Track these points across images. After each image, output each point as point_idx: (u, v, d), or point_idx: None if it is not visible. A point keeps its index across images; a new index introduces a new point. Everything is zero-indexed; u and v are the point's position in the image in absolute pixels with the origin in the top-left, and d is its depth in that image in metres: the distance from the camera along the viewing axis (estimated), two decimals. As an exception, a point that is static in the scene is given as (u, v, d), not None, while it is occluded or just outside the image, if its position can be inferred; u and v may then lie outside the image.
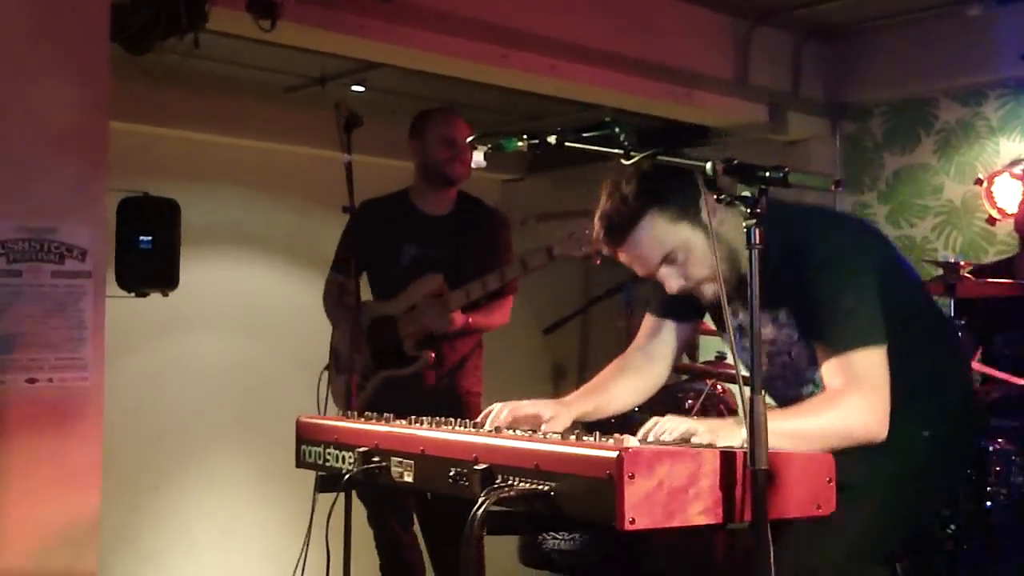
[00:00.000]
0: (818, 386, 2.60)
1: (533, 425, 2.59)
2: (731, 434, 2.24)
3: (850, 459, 2.26)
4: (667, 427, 2.27)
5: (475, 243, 4.33)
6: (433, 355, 4.22)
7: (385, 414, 2.68)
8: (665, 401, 3.90)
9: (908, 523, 2.72)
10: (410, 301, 4.27)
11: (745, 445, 2.17)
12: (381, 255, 4.32)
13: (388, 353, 4.27)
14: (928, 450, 2.62)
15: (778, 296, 2.51)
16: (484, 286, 4.16)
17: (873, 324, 2.45)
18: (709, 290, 2.60)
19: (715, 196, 2.44)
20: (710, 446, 2.15)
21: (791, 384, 2.70)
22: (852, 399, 2.38)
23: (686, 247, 2.55)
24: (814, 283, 2.48)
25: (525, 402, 2.66)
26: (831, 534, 2.37)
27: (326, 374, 4.35)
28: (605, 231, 2.60)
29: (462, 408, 4.16)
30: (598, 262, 4.10)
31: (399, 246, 4.36)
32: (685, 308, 2.87)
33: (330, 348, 4.47)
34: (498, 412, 2.61)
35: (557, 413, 2.65)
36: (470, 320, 4.26)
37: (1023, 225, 4.84)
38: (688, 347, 2.99)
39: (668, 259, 2.57)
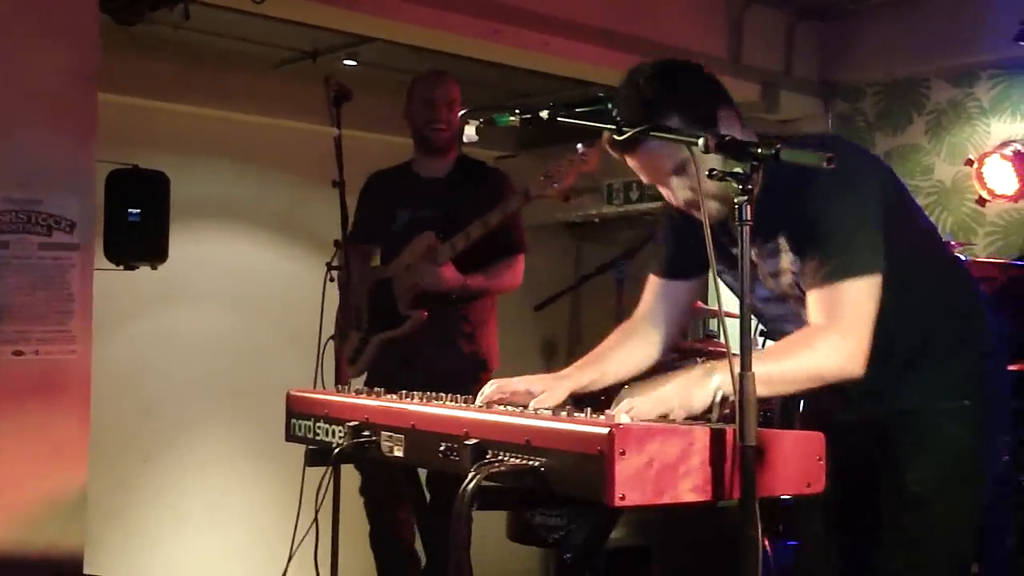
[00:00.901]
0: None
1: (524, 401, 2.56)
2: (703, 390, 2.22)
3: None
4: (638, 411, 2.21)
5: (474, 202, 4.23)
6: (426, 313, 4.15)
7: (376, 388, 2.68)
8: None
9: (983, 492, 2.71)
10: (406, 262, 4.24)
11: (716, 396, 2.21)
12: (380, 222, 4.30)
13: (384, 315, 4.24)
14: (974, 418, 2.57)
15: (779, 220, 2.45)
16: (468, 236, 4.08)
17: (867, 251, 2.37)
18: (714, 208, 2.46)
19: (734, 112, 2.51)
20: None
21: (792, 319, 2.62)
22: (828, 339, 2.32)
23: (699, 158, 2.36)
24: (810, 204, 2.39)
25: (517, 379, 2.63)
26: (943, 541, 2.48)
27: (331, 344, 4.33)
28: (611, 141, 2.46)
29: (460, 377, 4.07)
30: (567, 199, 4.11)
31: (394, 211, 4.34)
32: (689, 264, 2.79)
33: (336, 320, 4.45)
34: (491, 393, 2.59)
35: (549, 388, 2.59)
36: (468, 281, 4.18)
37: None
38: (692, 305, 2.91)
39: (680, 168, 2.47)
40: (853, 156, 2.49)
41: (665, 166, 2.48)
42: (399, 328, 4.21)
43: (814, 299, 2.38)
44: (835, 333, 2.33)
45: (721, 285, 2.36)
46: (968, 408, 2.55)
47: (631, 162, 2.52)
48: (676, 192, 2.51)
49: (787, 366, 2.30)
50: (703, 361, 4.69)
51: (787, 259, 2.50)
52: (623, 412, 2.14)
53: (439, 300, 4.21)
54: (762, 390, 2.04)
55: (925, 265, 2.60)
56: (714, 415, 2.21)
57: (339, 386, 2.98)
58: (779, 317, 2.67)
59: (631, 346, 2.82)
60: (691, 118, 2.41)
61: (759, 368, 2.02)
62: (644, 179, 2.55)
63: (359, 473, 4.21)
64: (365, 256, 4.41)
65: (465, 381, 3.85)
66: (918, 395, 2.56)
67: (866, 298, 2.34)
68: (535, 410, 2.26)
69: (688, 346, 4.84)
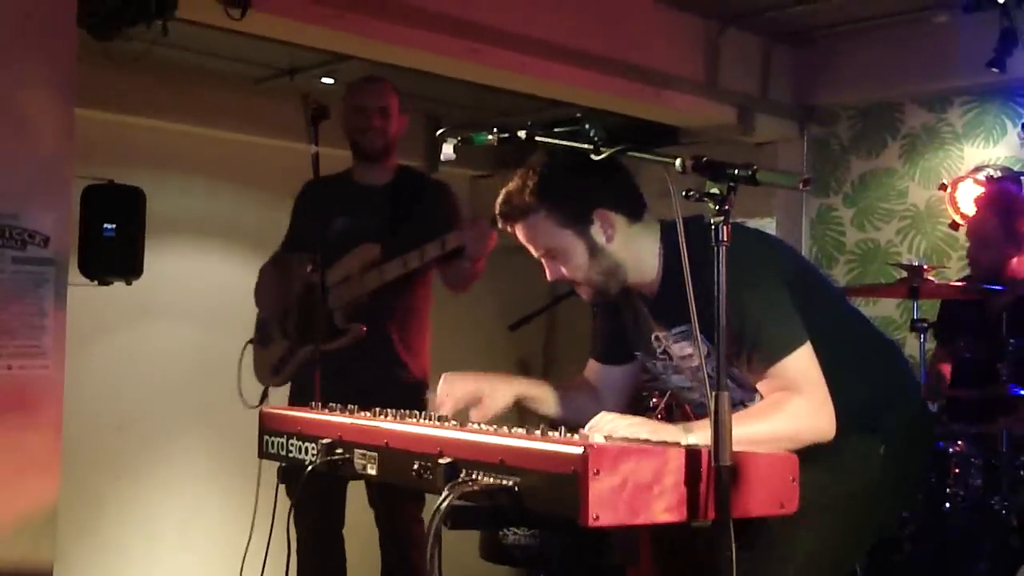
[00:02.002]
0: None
1: (473, 404, 2.68)
2: (674, 438, 2.26)
3: (805, 480, 2.25)
4: (610, 427, 2.26)
5: (414, 213, 4.16)
6: (364, 328, 4.04)
7: (349, 406, 2.67)
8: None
9: (866, 538, 2.74)
10: (344, 272, 4.08)
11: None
12: (314, 228, 4.11)
13: (316, 326, 4.02)
14: (885, 463, 2.61)
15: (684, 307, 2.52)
16: (422, 255, 3.98)
17: (790, 325, 2.46)
18: (586, 291, 2.69)
19: (617, 211, 2.61)
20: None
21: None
22: (796, 402, 2.38)
23: (565, 251, 2.63)
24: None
25: (469, 377, 2.74)
26: (789, 552, 2.44)
27: (250, 348, 4.26)
28: (501, 209, 2.70)
29: (398, 393, 3.98)
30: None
31: (330, 218, 4.15)
32: (624, 350, 2.90)
33: (256, 321, 4.36)
34: (441, 395, 2.69)
35: (494, 390, 2.73)
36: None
37: (973, 229, 4.87)
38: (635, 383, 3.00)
39: (548, 254, 2.67)
40: (752, 242, 2.60)
41: (536, 246, 2.69)
42: (336, 341, 4.05)
43: (764, 384, 2.47)
44: (799, 397, 2.40)
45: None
46: (879, 456, 2.60)
47: (516, 230, 2.70)
48: (548, 269, 2.71)
49: (763, 428, 2.34)
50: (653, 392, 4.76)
51: (685, 347, 2.64)
52: (597, 430, 2.16)
53: (376, 315, 4.10)
54: (744, 447, 2.07)
55: (846, 340, 2.65)
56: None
57: (314, 403, 2.96)
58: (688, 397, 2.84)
59: (583, 400, 2.91)
60: (563, 216, 2.62)
61: (738, 429, 2.04)
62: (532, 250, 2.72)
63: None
64: (292, 264, 4.30)
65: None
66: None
67: (810, 364, 2.44)
68: (509, 429, 2.25)
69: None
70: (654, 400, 4.82)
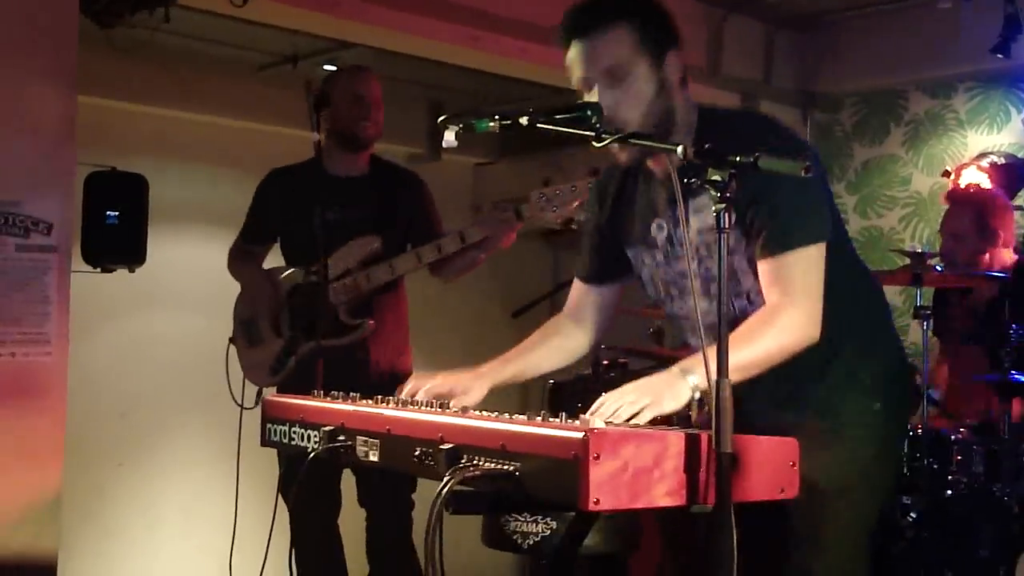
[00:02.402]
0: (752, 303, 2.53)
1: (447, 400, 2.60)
2: (679, 389, 2.26)
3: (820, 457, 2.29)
4: (611, 410, 2.24)
5: (399, 203, 4.16)
6: (373, 322, 4.06)
7: (351, 393, 2.68)
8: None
9: (880, 503, 2.74)
10: (343, 266, 4.05)
11: (695, 395, 2.24)
12: (292, 221, 4.12)
13: (318, 322, 3.96)
14: (882, 425, 2.62)
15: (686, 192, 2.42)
16: (439, 248, 4.00)
17: (812, 219, 2.43)
18: (624, 148, 2.51)
19: (682, 61, 2.56)
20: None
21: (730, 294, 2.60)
22: (787, 315, 2.37)
23: (634, 75, 2.49)
24: (757, 181, 2.25)
25: (438, 378, 2.67)
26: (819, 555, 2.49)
27: (232, 348, 4.24)
28: (572, 18, 2.56)
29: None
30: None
31: (310, 210, 4.00)
32: (612, 269, 2.84)
33: (235, 319, 4.32)
34: (413, 390, 2.63)
35: (469, 387, 2.66)
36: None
37: (947, 226, 4.86)
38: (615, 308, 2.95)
39: (610, 72, 2.50)
40: (793, 134, 2.61)
41: (601, 61, 2.51)
42: (344, 337, 4.04)
43: (765, 272, 2.44)
44: (791, 308, 2.39)
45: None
46: (876, 413, 2.60)
47: (570, 52, 2.59)
48: (600, 97, 2.49)
49: (756, 349, 2.35)
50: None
51: (710, 218, 2.40)
52: (597, 415, 2.16)
53: (379, 305, 4.11)
54: (735, 376, 2.07)
55: (840, 268, 2.58)
56: (693, 414, 2.24)
57: (316, 391, 2.98)
58: (667, 291, 2.70)
59: (556, 342, 2.87)
60: (645, 37, 2.49)
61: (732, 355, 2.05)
62: (574, 74, 2.59)
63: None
64: (255, 255, 4.32)
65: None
66: (828, 399, 2.58)
67: (814, 266, 2.41)
68: (510, 414, 2.26)
69: (668, 353, 4.85)
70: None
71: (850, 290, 2.62)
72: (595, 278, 2.89)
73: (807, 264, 2.41)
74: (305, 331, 4.07)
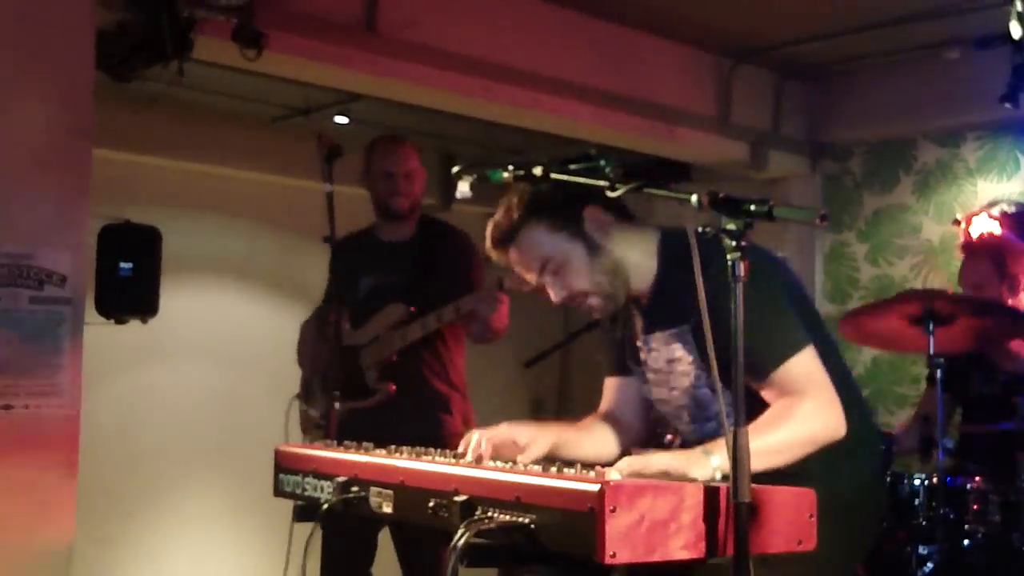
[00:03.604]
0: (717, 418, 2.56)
1: (511, 452, 2.55)
2: (701, 466, 2.21)
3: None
4: (632, 467, 2.20)
5: (439, 266, 4.24)
6: (394, 387, 4.14)
7: (364, 444, 2.67)
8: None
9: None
10: (374, 332, 4.21)
11: (716, 475, 2.20)
12: (345, 288, 4.25)
13: (351, 384, 4.16)
14: (860, 486, 2.61)
15: (678, 311, 2.52)
16: (440, 318, 4.08)
17: (795, 329, 2.45)
18: (595, 302, 2.64)
19: (606, 211, 2.60)
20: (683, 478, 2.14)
21: (696, 418, 2.67)
22: (805, 406, 2.37)
23: (563, 257, 2.60)
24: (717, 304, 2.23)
25: (502, 427, 2.63)
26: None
27: (296, 403, 4.33)
28: (493, 238, 2.67)
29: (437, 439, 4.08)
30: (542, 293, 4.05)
31: (358, 277, 4.30)
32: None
33: (301, 378, 4.46)
34: (477, 442, 2.59)
35: (533, 438, 2.61)
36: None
37: (966, 276, 4.83)
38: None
39: (546, 268, 2.62)
40: (754, 252, 2.45)
41: (533, 263, 2.65)
42: (366, 400, 4.17)
43: (768, 395, 2.44)
44: (807, 399, 2.38)
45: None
46: (842, 474, 2.50)
47: (512, 263, 2.68)
48: (551, 291, 2.66)
49: (777, 439, 2.32)
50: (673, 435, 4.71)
51: (684, 350, 2.58)
52: (615, 469, 2.15)
53: (407, 367, 4.18)
54: (755, 465, 2.04)
55: (832, 368, 2.57)
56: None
57: (327, 441, 2.96)
58: (666, 410, 2.76)
59: (605, 433, 2.86)
60: (552, 221, 2.60)
61: (752, 444, 2.04)
62: (528, 279, 2.71)
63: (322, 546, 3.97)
64: (328, 321, 4.39)
65: (442, 438, 3.94)
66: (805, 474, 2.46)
67: (814, 366, 2.43)
68: (524, 466, 2.25)
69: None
70: (668, 437, 4.80)
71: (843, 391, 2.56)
72: (621, 369, 2.89)
73: (806, 366, 2.43)
74: (340, 392, 4.12)
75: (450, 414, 4.26)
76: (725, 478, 2.12)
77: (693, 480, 2.15)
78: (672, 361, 2.63)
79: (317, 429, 4.25)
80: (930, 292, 4.29)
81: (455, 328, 4.31)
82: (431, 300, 4.14)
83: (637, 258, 2.62)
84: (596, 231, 2.59)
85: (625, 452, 2.84)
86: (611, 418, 2.90)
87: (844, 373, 2.67)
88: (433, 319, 4.10)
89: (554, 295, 2.66)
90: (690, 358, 2.58)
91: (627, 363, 2.85)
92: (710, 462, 2.23)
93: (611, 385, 2.93)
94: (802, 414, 2.37)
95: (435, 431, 4.14)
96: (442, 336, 4.29)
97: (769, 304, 2.43)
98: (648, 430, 2.93)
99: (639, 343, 2.72)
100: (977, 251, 4.85)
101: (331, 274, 4.32)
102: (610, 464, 2.21)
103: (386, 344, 4.17)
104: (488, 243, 2.69)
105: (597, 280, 2.60)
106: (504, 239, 2.65)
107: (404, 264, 4.30)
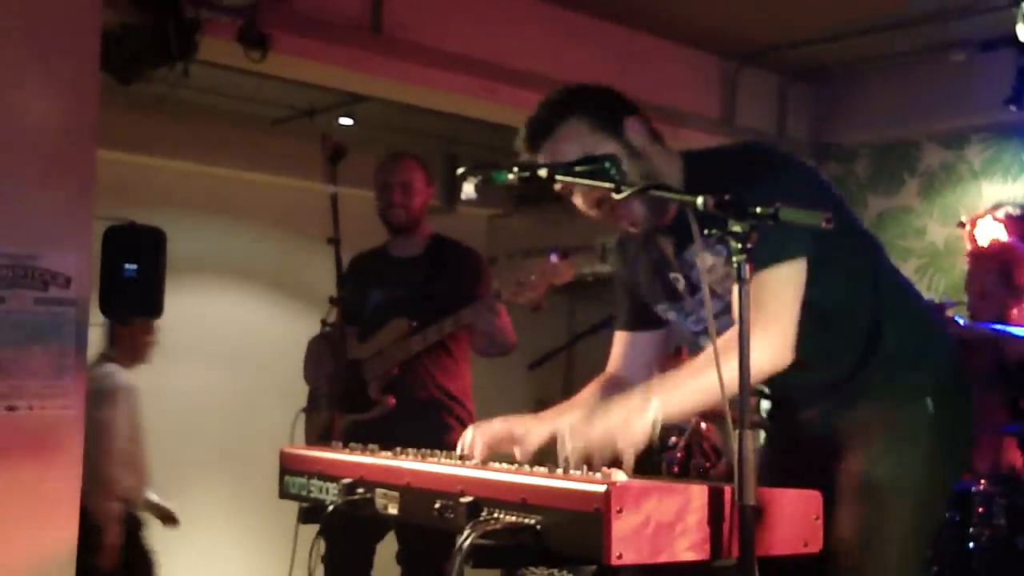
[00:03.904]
0: None
1: (509, 447, 2.54)
2: (643, 421, 2.21)
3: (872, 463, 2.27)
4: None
5: (447, 283, 4.28)
6: (393, 401, 4.17)
7: (370, 446, 2.67)
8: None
9: (940, 511, 2.70)
10: (378, 346, 4.24)
11: (657, 422, 2.20)
12: (355, 302, 4.28)
13: (353, 397, 4.20)
14: (935, 423, 2.52)
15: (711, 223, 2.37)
16: (440, 330, 4.10)
17: (786, 237, 2.31)
18: (638, 211, 2.50)
19: (642, 122, 2.54)
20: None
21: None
22: (754, 338, 2.20)
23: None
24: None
25: (496, 422, 2.61)
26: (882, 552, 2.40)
27: (302, 415, 4.35)
28: (527, 136, 2.57)
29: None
30: (537, 309, 4.03)
31: (368, 292, 4.34)
32: (650, 315, 2.77)
33: (308, 391, 4.48)
34: (472, 439, 2.58)
35: (530, 429, 2.57)
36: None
37: (972, 284, 4.83)
38: (662, 352, 2.89)
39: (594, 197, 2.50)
40: (786, 159, 2.53)
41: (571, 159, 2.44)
42: (367, 413, 4.19)
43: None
44: (758, 329, 2.21)
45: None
46: (929, 414, 2.52)
47: (544, 156, 2.53)
48: (584, 198, 2.53)
49: (725, 372, 2.19)
50: (695, 421, 4.71)
51: (719, 259, 2.47)
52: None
53: (410, 378, 4.21)
54: (703, 398, 2.14)
55: (873, 264, 2.59)
56: (655, 443, 2.22)
57: (334, 443, 2.96)
58: (704, 342, 2.61)
59: (616, 393, 2.72)
60: (596, 119, 2.50)
61: (695, 381, 2.14)
62: (557, 187, 2.50)
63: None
64: (335, 337, 4.41)
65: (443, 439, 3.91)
66: (879, 389, 2.52)
67: (787, 285, 2.36)
68: (531, 467, 2.25)
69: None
70: (673, 439, 4.80)
71: (894, 287, 2.62)
72: (634, 324, 2.82)
73: (779, 283, 2.35)
74: (344, 405, 4.19)
75: (453, 426, 4.26)
76: (668, 431, 2.13)
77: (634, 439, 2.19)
78: (709, 270, 2.49)
79: (321, 440, 4.27)
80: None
81: (462, 342, 4.34)
82: (437, 315, 4.16)
83: (666, 174, 2.52)
84: (635, 139, 2.50)
85: None
86: (616, 380, 2.81)
87: (874, 278, 2.59)
88: (434, 331, 4.12)
89: (584, 204, 2.53)
90: (715, 264, 2.48)
91: (646, 315, 2.75)
92: (651, 407, 2.21)
93: (622, 340, 2.85)
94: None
95: (438, 443, 4.14)
96: (448, 349, 4.30)
97: (778, 197, 2.22)
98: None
99: (674, 274, 2.60)
100: (984, 259, 4.85)
101: (346, 291, 4.33)
102: None
103: (388, 358, 4.20)
104: (521, 141, 2.57)
105: (637, 185, 2.39)
106: (540, 134, 2.54)
107: (412, 279, 4.32)
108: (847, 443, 2.51)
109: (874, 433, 2.46)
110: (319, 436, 4.27)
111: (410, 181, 4.35)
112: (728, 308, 2.45)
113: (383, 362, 4.20)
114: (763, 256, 2.28)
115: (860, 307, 2.53)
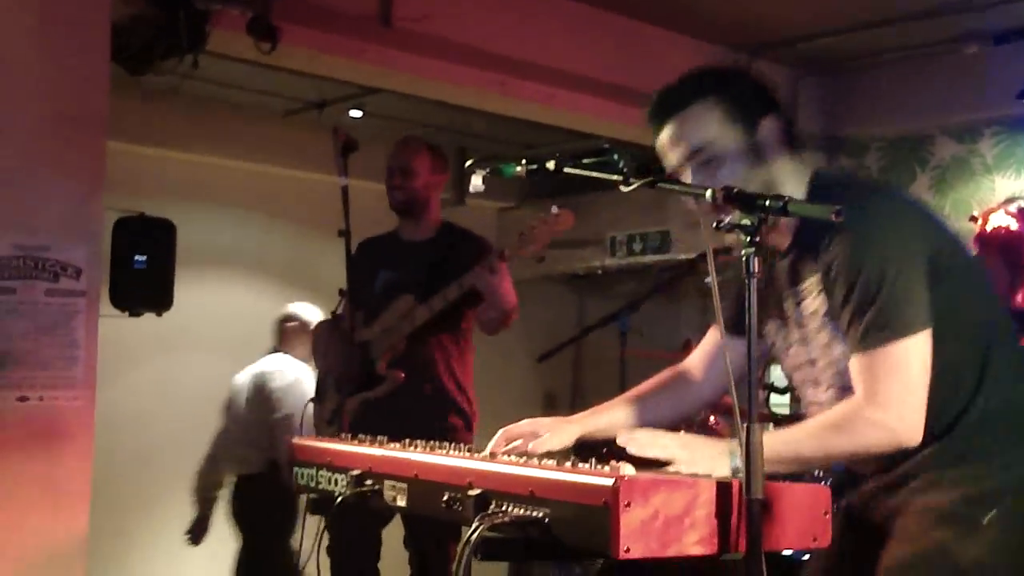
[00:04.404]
0: None
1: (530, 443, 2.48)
2: (716, 466, 2.11)
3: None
4: (641, 441, 2.15)
5: (453, 266, 4.24)
6: (403, 375, 4.17)
7: (379, 437, 2.66)
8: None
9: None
10: (385, 324, 4.25)
11: (737, 473, 2.11)
12: (363, 284, 4.28)
13: (362, 377, 4.21)
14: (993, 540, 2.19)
15: (812, 261, 2.25)
16: (445, 297, 4.10)
17: (911, 308, 2.12)
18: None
19: (782, 130, 2.37)
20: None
21: (836, 383, 2.34)
22: (865, 418, 2.13)
23: (723, 151, 2.32)
24: (840, 256, 2.17)
25: (524, 422, 2.56)
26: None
27: (310, 406, 4.35)
28: (657, 101, 2.41)
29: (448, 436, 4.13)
30: (542, 260, 4.16)
31: (375, 273, 4.36)
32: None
33: (316, 380, 4.51)
34: (499, 440, 2.56)
35: (555, 430, 2.50)
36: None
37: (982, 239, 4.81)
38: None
39: (700, 155, 2.33)
40: (896, 200, 2.36)
41: (690, 141, 2.35)
42: (376, 390, 4.19)
43: (855, 366, 2.18)
44: (872, 408, 2.13)
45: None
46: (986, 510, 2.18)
47: (660, 138, 2.41)
48: (694, 178, 2.34)
49: (818, 449, 2.17)
50: (705, 415, 4.69)
51: (817, 301, 2.29)
52: (629, 439, 2.14)
53: (419, 360, 4.21)
54: (781, 468, 2.05)
55: (982, 325, 2.30)
56: None
57: (343, 434, 2.96)
58: (803, 379, 2.44)
59: (669, 394, 2.67)
60: (733, 108, 2.34)
61: (801, 445, 2.08)
62: (666, 161, 2.41)
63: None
64: (342, 320, 4.42)
65: (445, 434, 3.90)
66: (965, 470, 2.22)
67: (912, 361, 2.13)
68: (539, 460, 2.24)
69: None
70: (682, 432, 4.78)
71: (993, 348, 2.27)
72: (739, 329, 2.33)
73: (902, 360, 2.13)
74: (351, 387, 4.20)
75: (457, 415, 4.28)
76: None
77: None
78: (812, 314, 2.32)
79: (328, 425, 4.28)
80: None
81: (467, 332, 4.35)
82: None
83: (790, 189, 2.30)
84: (766, 142, 2.34)
85: (683, 419, 2.71)
86: (690, 373, 2.66)
87: (989, 339, 2.27)
88: (439, 299, 4.12)
89: (694, 181, 2.31)
90: (824, 310, 2.28)
91: (742, 321, 2.27)
92: (730, 462, 2.12)
93: (712, 337, 2.66)
94: (859, 427, 2.14)
95: (443, 429, 4.16)
96: (455, 339, 4.32)
97: (895, 262, 2.13)
98: (718, 394, 2.71)
99: (786, 293, 2.38)
100: (988, 245, 4.83)
101: (350, 273, 4.34)
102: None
103: (395, 332, 4.20)
104: (650, 111, 2.42)
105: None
106: (672, 107, 2.36)
107: (420, 262, 4.33)
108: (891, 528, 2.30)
109: (950, 517, 2.19)
110: (327, 421, 4.29)
111: (410, 164, 4.35)
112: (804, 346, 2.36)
113: (390, 337, 4.21)
114: (884, 327, 2.13)
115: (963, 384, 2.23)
